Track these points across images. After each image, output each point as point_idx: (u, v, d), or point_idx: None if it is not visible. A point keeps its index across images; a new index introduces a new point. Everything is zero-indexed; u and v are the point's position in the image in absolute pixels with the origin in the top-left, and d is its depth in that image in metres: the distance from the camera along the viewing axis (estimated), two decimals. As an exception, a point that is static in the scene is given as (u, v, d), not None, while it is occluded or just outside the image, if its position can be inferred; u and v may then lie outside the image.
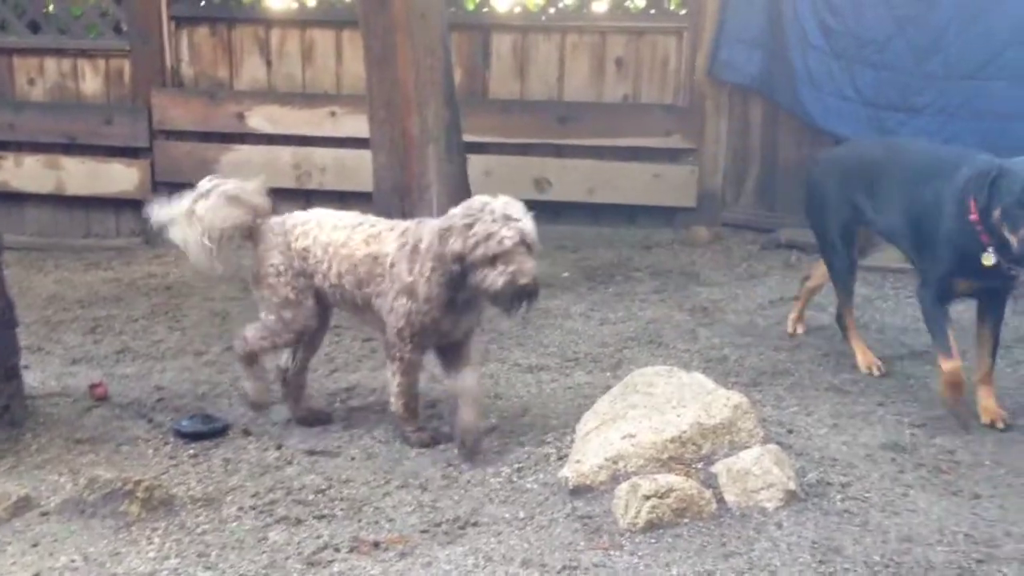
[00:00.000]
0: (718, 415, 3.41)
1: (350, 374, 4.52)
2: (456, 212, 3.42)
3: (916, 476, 3.41)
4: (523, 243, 3.31)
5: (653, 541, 2.99)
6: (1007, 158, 3.75)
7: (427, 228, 3.53)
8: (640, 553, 2.93)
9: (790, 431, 3.76)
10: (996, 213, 3.62)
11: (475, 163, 6.27)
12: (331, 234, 3.71)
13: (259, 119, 7.20)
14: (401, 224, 3.70)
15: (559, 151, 6.91)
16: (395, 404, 3.67)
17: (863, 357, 4.47)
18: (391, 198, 5.55)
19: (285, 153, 7.21)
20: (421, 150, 5.44)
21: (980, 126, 5.89)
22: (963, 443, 3.67)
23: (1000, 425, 3.79)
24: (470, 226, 3.33)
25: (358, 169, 6.58)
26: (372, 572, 2.81)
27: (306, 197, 7.30)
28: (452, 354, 3.64)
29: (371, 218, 3.79)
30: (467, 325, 3.60)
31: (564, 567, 2.85)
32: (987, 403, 3.87)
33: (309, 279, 3.73)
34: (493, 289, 3.30)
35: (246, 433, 3.84)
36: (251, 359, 3.84)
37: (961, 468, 3.47)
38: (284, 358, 3.92)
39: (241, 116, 7.20)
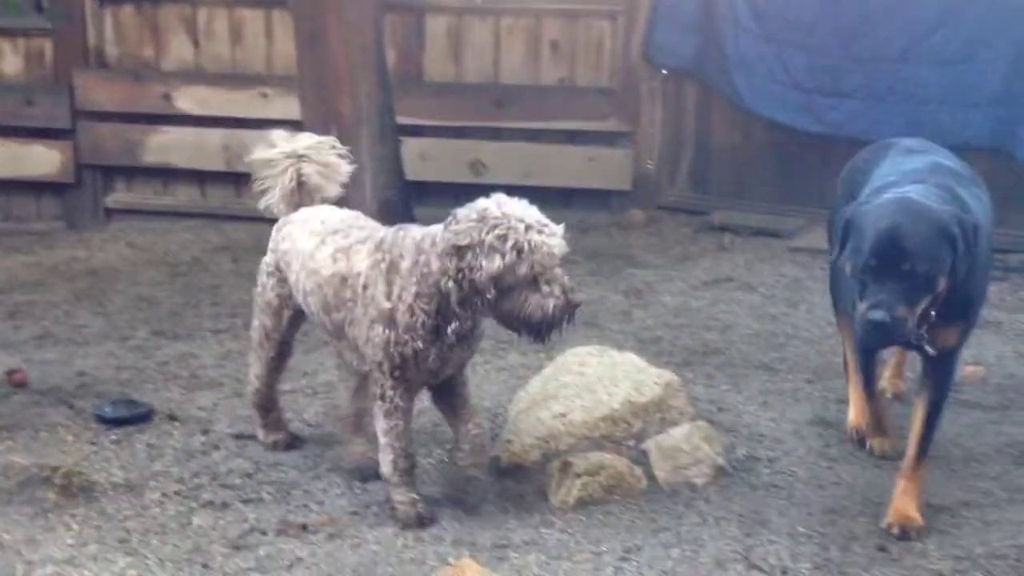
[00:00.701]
0: (649, 394, 3.44)
1: (281, 358, 4.45)
2: (466, 222, 2.72)
3: (841, 450, 3.47)
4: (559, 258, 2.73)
5: (584, 518, 3.00)
6: (933, 144, 3.53)
7: (409, 241, 2.87)
8: (571, 530, 2.93)
9: (720, 409, 3.80)
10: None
11: (410, 146, 6.22)
12: (306, 241, 3.12)
13: (187, 100, 7.01)
14: (377, 234, 3.00)
15: (495, 134, 6.87)
16: (382, 459, 2.95)
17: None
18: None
19: (214, 135, 7.04)
20: (353, 132, 5.36)
21: (907, 109, 6.00)
22: (890, 417, 3.74)
23: (895, 532, 2.88)
24: (504, 239, 2.66)
25: (290, 151, 6.46)
26: (300, 554, 2.77)
27: (236, 181, 7.18)
28: (445, 393, 3.05)
29: (358, 223, 3.13)
30: (459, 359, 2.96)
31: (495, 545, 2.84)
32: (898, 503, 2.94)
33: (289, 289, 3.24)
34: (540, 315, 2.69)
35: (171, 418, 3.75)
36: (258, 397, 3.44)
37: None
38: (255, 370, 3.43)
39: (168, 97, 7.02)
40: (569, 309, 2.70)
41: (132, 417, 3.71)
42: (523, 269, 2.65)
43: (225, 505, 3.10)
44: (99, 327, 4.90)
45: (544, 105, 6.77)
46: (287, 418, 3.61)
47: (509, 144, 6.84)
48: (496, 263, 2.65)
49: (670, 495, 3.12)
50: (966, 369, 4.19)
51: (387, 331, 2.83)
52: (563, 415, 3.35)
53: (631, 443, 3.32)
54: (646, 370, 3.56)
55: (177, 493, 3.18)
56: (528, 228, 2.67)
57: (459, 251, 2.71)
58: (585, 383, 3.51)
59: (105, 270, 5.93)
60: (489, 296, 2.69)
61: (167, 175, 7.21)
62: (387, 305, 2.84)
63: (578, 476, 3.09)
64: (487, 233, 2.67)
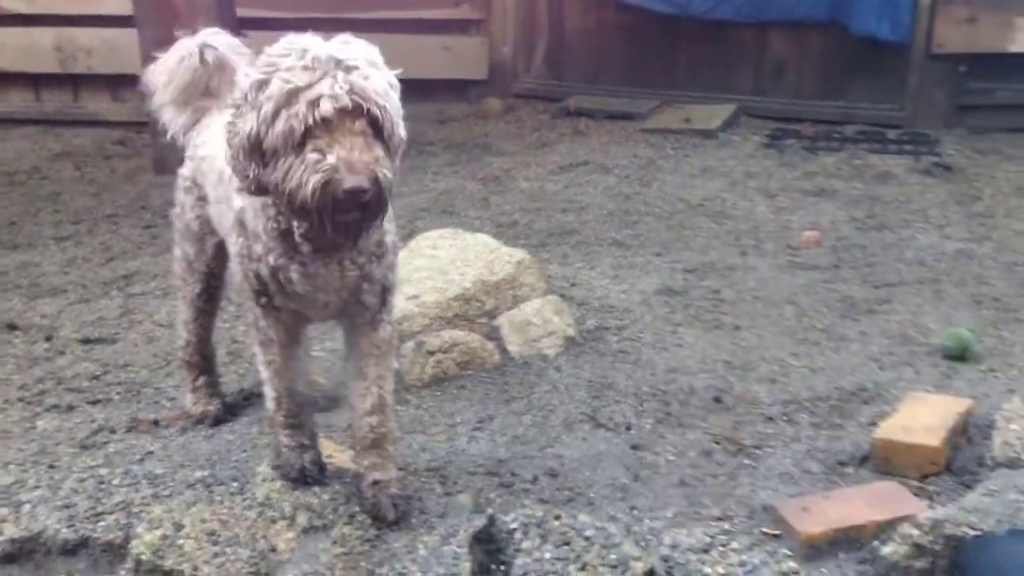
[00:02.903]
0: (501, 272, 3.50)
1: (128, 261, 4.32)
2: (256, 64, 2.04)
3: (685, 315, 3.64)
4: (359, 112, 1.93)
5: (439, 394, 3.07)
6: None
7: None
8: (425, 406, 3.00)
9: (573, 284, 3.90)
10: None
11: (255, 41, 5.98)
12: (214, 132, 2.45)
13: (13, -2, 6.55)
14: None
15: (347, 26, 6.63)
16: (265, 395, 2.41)
17: None
18: (165, 78, 5.22)
19: (46, 35, 6.62)
20: (189, 24, 5.09)
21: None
22: (728, 283, 3.94)
23: None
24: (264, 84, 1.96)
25: (129, 49, 6.12)
26: (151, 448, 2.75)
27: (74, 83, 6.81)
28: (347, 344, 2.38)
29: None
30: (340, 286, 2.19)
31: (350, 424, 2.87)
32: None
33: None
34: (299, 196, 1.93)
35: (11, 327, 3.62)
36: (188, 351, 2.85)
37: (725, 305, 3.73)
38: (182, 315, 2.84)
39: (-10, -5, 6.53)
40: (332, 192, 1.91)
41: (-32, 329, 3.56)
42: (279, 125, 1.93)
43: (71, 408, 3.03)
44: (-72, 240, 4.64)
45: (395, -7, 6.61)
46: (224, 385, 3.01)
47: (362, 36, 6.63)
48: (250, 122, 1.97)
49: (522, 367, 3.22)
50: (804, 234, 4.43)
51: (239, 238, 2.22)
52: (416, 296, 3.38)
53: (483, 320, 3.39)
54: (498, 250, 3.61)
55: (20, 399, 3.09)
56: (306, 67, 1.93)
57: (234, 110, 2.05)
58: (438, 265, 3.55)
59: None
60: (255, 170, 1.99)
61: (-4, 79, 6.77)
62: (238, 204, 2.19)
63: (431, 354, 3.14)
64: (254, 76, 1.99)
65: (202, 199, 2.62)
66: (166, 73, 2.72)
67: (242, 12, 5.58)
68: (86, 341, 3.50)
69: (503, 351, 3.28)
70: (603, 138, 6.03)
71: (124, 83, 6.61)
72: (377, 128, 1.96)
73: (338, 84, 1.92)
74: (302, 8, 6.52)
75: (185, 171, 2.71)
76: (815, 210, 4.77)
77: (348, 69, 1.94)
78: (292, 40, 2.00)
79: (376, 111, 1.94)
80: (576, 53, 6.75)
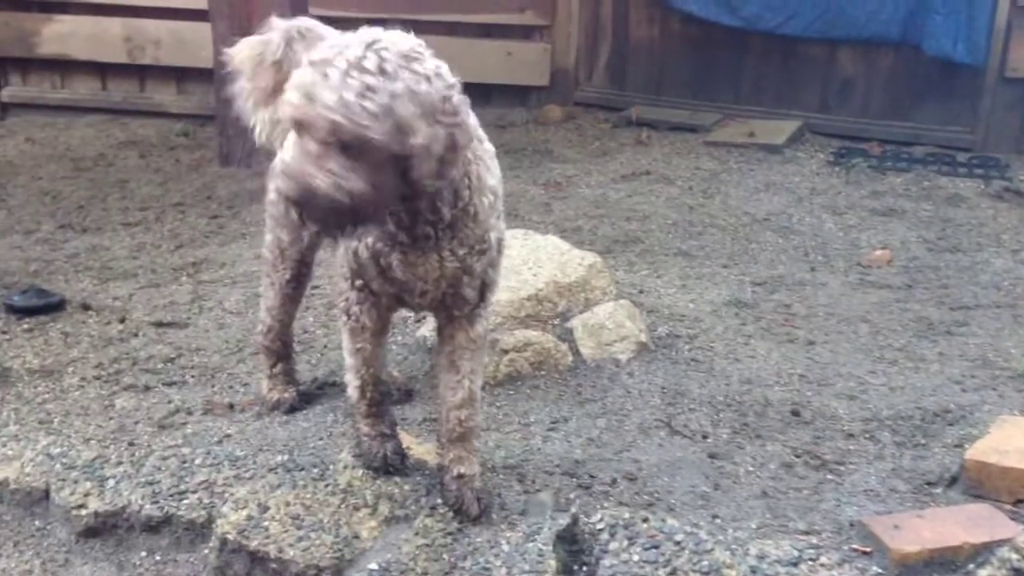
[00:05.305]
0: (573, 274, 3.48)
1: (197, 249, 4.34)
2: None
3: (757, 327, 3.59)
4: (305, 124, 1.86)
5: (512, 392, 3.05)
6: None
7: None
8: (499, 404, 2.98)
9: (641, 291, 3.87)
10: None
11: (323, 36, 6.02)
12: None
13: (83, -13, 6.65)
14: None
15: (411, 27, 6.68)
16: (348, 383, 2.41)
17: None
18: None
19: (114, 25, 6.70)
20: (264, 18, 5.14)
21: (819, 3, 6.06)
22: (799, 297, 3.88)
23: None
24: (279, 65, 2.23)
25: (197, 42, 6.21)
26: (228, 431, 2.75)
27: (140, 74, 6.89)
28: (441, 346, 2.33)
29: None
30: (440, 275, 2.16)
31: (425, 419, 2.86)
32: None
33: None
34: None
35: (85, 308, 3.64)
36: (269, 336, 2.84)
37: (797, 319, 3.68)
38: (267, 301, 2.83)
39: (62, -17, 6.63)
40: (278, 188, 1.89)
41: (43, 306, 3.59)
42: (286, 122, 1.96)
43: (147, 388, 3.04)
44: (2, 221, 4.69)
45: (460, -3, 6.63)
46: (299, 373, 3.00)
47: (425, 38, 6.61)
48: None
49: (595, 370, 3.19)
50: (874, 253, 4.37)
51: None
52: (489, 296, 3.36)
53: (556, 321, 3.36)
54: (569, 252, 3.59)
55: (97, 378, 3.11)
56: (307, 64, 1.89)
57: None
58: (510, 265, 3.52)
59: (3, 165, 5.66)
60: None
61: (64, 67, 6.86)
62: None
63: (505, 352, 3.12)
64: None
65: None
66: (251, 60, 2.58)
67: (314, 11, 5.61)
68: (159, 324, 3.52)
69: (576, 353, 3.25)
70: (665, 149, 5.99)
71: (190, 76, 6.70)
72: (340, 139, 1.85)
73: (298, 91, 1.86)
74: (371, 8, 6.55)
75: (285, 156, 2.66)
76: (884, 230, 4.70)
77: (323, 75, 1.85)
78: (338, 37, 1.96)
79: (323, 123, 1.83)
80: (639, 63, 6.72)
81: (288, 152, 2.11)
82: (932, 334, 3.55)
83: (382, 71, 1.87)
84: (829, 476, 2.62)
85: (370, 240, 2.13)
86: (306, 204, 1.88)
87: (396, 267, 2.15)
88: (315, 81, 1.85)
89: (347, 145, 1.85)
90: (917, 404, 2.99)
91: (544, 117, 6.62)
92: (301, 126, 1.87)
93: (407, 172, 1.92)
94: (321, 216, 1.91)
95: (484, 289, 2.24)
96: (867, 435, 2.83)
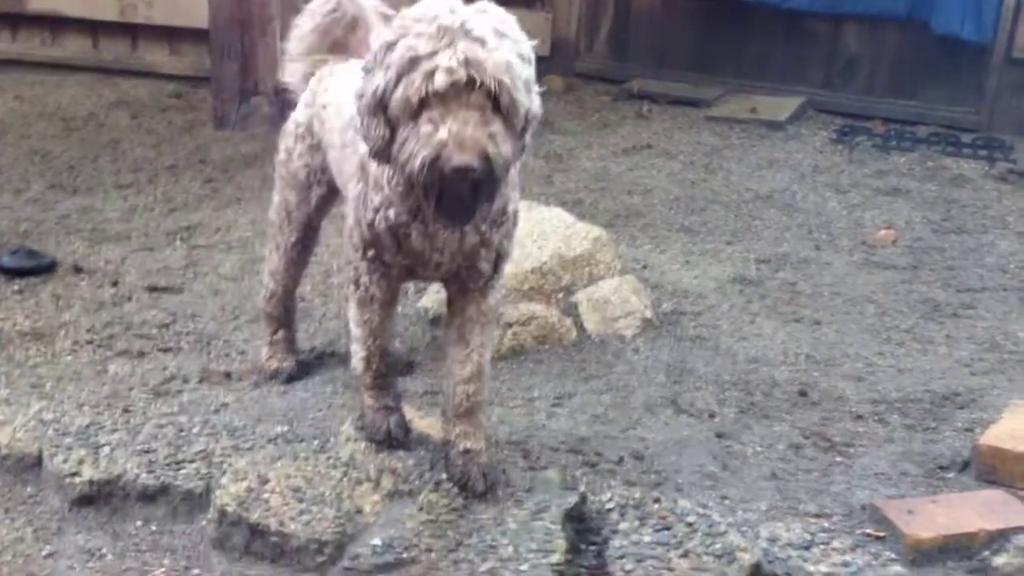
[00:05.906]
0: (578, 247, 3.41)
1: (191, 213, 4.25)
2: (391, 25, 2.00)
3: (762, 306, 3.54)
4: (473, 86, 1.84)
5: (515, 367, 2.99)
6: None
7: None
8: (502, 378, 2.92)
9: (645, 267, 3.81)
10: None
11: None
12: (341, 80, 2.42)
13: (75, -59, 6.48)
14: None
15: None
16: (354, 354, 2.34)
17: None
18: (229, 34, 5.16)
19: (106, -18, 6.54)
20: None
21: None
22: (804, 276, 3.83)
23: None
24: (392, 47, 1.92)
25: (191, 2, 6.06)
26: (225, 400, 2.69)
27: (132, 33, 6.74)
28: (451, 320, 2.27)
29: None
30: (458, 251, 2.12)
31: (427, 392, 2.81)
32: None
33: (323, 158, 2.55)
34: (407, 169, 1.90)
35: (77, 270, 3.56)
36: (272, 302, 2.80)
37: (802, 298, 3.63)
38: (271, 264, 2.79)
39: (54, -63, 6.46)
40: (439, 169, 1.85)
41: (34, 268, 3.51)
42: (399, 92, 1.88)
43: (142, 354, 2.98)
44: (-10, 180, 4.59)
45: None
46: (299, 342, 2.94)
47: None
48: (377, 82, 1.92)
49: (599, 345, 3.14)
50: (879, 232, 4.32)
51: (359, 184, 2.15)
52: (492, 267, 3.30)
53: (560, 295, 3.30)
54: (574, 225, 3.52)
55: (89, 342, 3.03)
56: (431, 36, 1.86)
57: (364, 67, 2.00)
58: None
59: (-9, 123, 5.53)
60: (380, 134, 1.94)
61: (55, 24, 6.70)
62: (364, 148, 2.05)
63: (509, 325, 3.07)
64: (386, 36, 1.96)
65: (314, 147, 2.56)
66: (305, 19, 2.65)
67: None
68: (152, 289, 3.44)
69: (580, 328, 3.20)
70: (666, 123, 5.90)
71: (183, 36, 6.54)
72: (496, 103, 1.87)
73: (456, 56, 1.84)
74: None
75: (300, 117, 2.62)
76: (888, 209, 4.65)
77: (472, 40, 1.85)
78: (428, 4, 1.93)
79: (492, 85, 1.85)
80: (641, 35, 6.61)
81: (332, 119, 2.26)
82: (939, 316, 3.51)
83: (512, 36, 1.93)
84: (839, 458, 2.58)
85: (391, 212, 2.08)
86: (486, 175, 1.87)
87: (415, 239, 2.09)
88: (491, 45, 1.86)
89: (502, 110, 1.87)
90: (926, 387, 2.95)
91: (544, 88, 6.52)
92: (462, 91, 1.84)
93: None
94: (491, 190, 1.93)
95: (498, 260, 2.19)
96: (876, 417, 2.79)
